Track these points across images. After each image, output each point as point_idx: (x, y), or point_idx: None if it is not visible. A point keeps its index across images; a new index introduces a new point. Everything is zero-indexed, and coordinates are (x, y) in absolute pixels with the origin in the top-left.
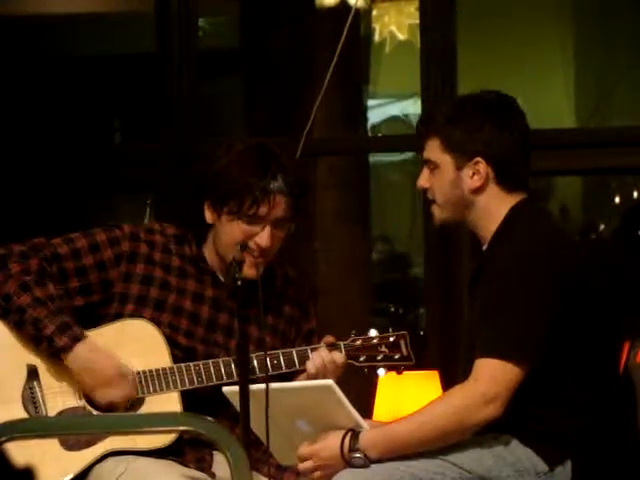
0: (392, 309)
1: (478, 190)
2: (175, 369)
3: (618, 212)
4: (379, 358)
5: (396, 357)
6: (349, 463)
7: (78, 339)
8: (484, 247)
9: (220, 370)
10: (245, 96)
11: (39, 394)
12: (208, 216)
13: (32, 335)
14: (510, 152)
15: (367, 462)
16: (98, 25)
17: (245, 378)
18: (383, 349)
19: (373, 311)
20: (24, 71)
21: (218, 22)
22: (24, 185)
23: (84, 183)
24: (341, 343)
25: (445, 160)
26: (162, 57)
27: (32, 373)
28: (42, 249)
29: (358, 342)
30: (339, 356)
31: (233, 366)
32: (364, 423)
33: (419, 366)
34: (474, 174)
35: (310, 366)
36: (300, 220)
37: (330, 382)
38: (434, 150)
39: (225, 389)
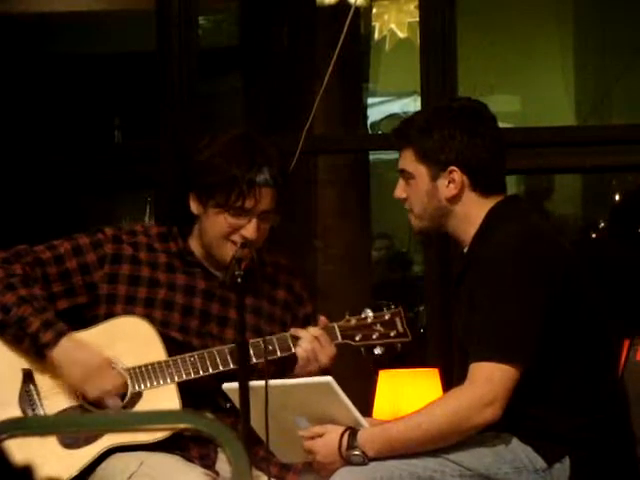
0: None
1: (454, 198)
2: (170, 362)
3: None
4: (375, 337)
5: (392, 334)
6: (347, 461)
7: (63, 333)
8: (465, 250)
9: (215, 359)
10: (245, 94)
11: (36, 396)
12: (194, 207)
13: (15, 334)
14: (483, 158)
15: (365, 460)
16: (98, 23)
17: (245, 376)
18: (378, 327)
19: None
20: (25, 69)
21: (218, 20)
22: (24, 183)
23: (84, 181)
24: (335, 324)
25: (420, 170)
26: (162, 55)
27: (27, 377)
28: (25, 255)
29: (352, 322)
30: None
31: (227, 353)
32: (363, 421)
33: (419, 364)
34: (450, 183)
35: (304, 344)
36: (283, 212)
37: (329, 379)
38: (408, 160)
39: (225, 386)
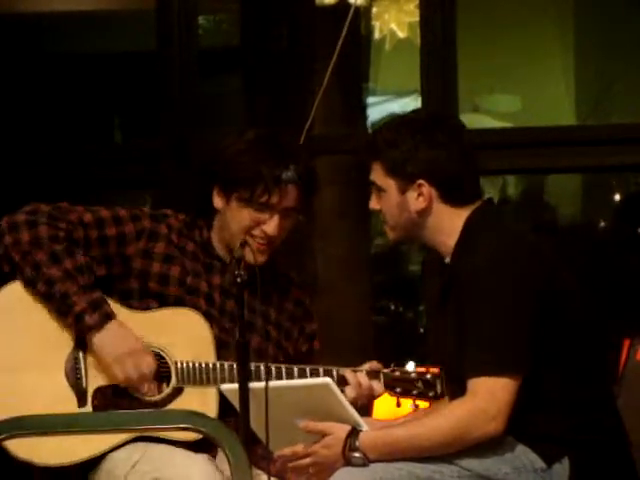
0: (392, 307)
1: (424, 211)
2: (218, 366)
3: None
4: (414, 392)
5: (430, 394)
6: (348, 462)
7: (109, 317)
8: (447, 261)
9: (260, 376)
10: (245, 93)
11: (83, 365)
12: (217, 202)
13: (58, 309)
14: (451, 169)
15: (366, 462)
16: (99, 23)
17: (245, 377)
18: (419, 385)
19: (373, 309)
20: (25, 69)
21: (218, 20)
22: (24, 183)
23: (84, 180)
24: (380, 372)
25: (389, 184)
26: (163, 55)
27: (80, 343)
28: (67, 213)
29: (397, 373)
30: (378, 386)
31: (274, 371)
32: (362, 422)
33: (419, 364)
34: (419, 196)
35: (349, 391)
36: (308, 212)
37: (328, 380)
38: (378, 174)
39: (223, 387)
